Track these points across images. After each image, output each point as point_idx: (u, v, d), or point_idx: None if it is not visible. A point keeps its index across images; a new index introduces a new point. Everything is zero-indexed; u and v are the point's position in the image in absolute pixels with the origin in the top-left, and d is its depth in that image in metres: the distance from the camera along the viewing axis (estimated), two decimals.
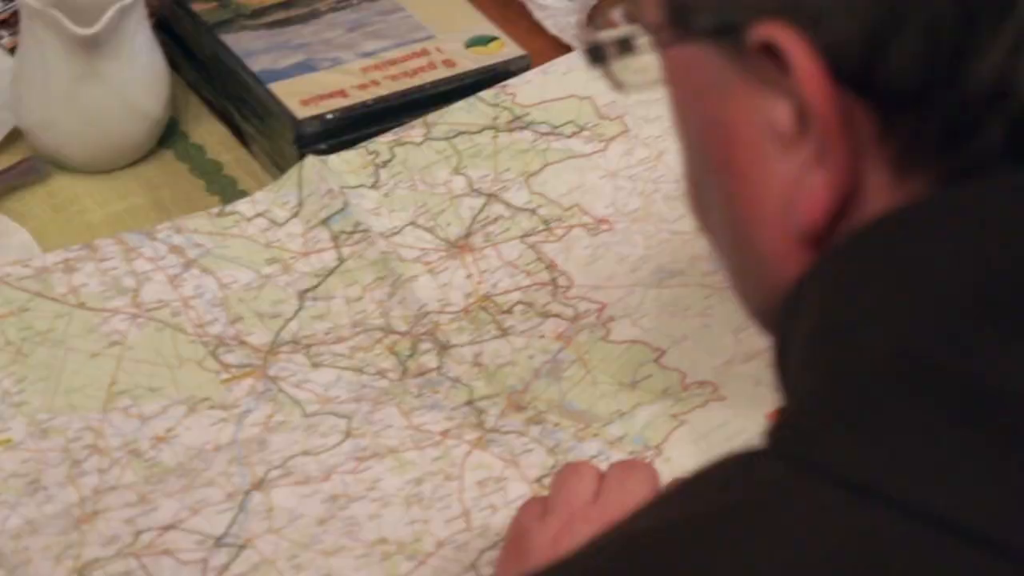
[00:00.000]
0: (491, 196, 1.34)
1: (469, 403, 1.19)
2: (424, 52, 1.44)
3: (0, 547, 1.10)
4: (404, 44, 1.45)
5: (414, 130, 1.34)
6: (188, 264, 1.28)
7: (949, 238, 0.73)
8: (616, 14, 0.85)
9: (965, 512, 0.66)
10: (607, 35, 0.87)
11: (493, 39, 1.46)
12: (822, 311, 0.75)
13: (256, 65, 1.42)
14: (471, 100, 1.36)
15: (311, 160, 1.31)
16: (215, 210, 1.31)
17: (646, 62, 0.84)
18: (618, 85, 0.86)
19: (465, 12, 1.49)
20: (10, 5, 1.48)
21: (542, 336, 1.25)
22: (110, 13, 1.32)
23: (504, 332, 1.26)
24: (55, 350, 1.22)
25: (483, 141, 1.35)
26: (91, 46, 1.35)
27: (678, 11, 0.78)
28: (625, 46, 0.85)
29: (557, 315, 1.27)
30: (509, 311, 1.27)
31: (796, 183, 0.75)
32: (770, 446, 0.72)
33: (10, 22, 1.47)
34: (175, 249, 1.28)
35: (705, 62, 0.78)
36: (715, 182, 0.81)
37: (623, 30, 0.86)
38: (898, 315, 0.73)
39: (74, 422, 1.18)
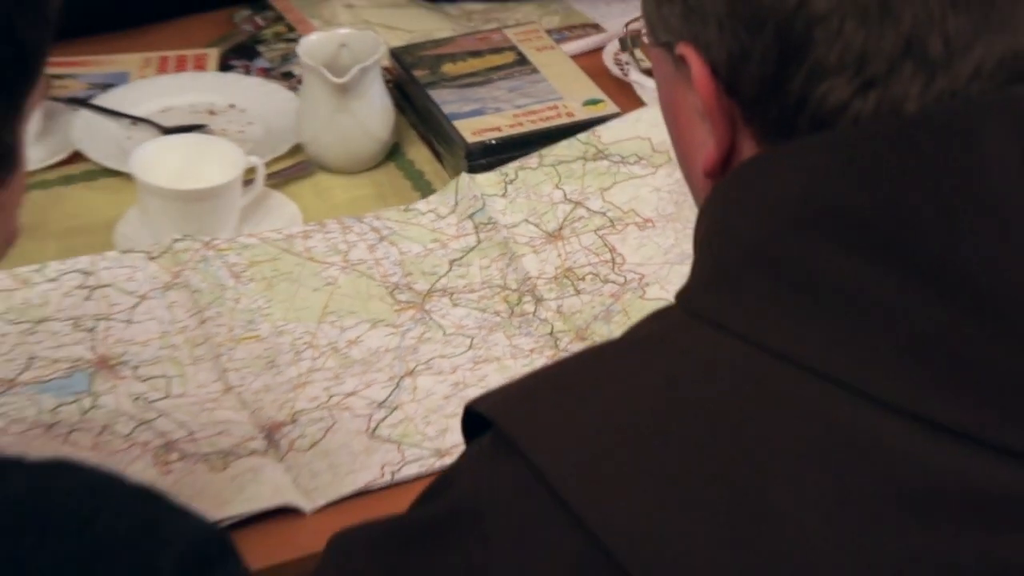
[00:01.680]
0: (577, 203, 1.45)
1: (551, 334, 1.32)
2: (555, 107, 1.57)
3: (247, 399, 1.24)
4: (542, 101, 1.58)
5: (531, 159, 1.46)
6: (381, 239, 1.41)
7: (780, 174, 0.79)
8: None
9: (785, 343, 0.75)
10: (631, 32, 0.98)
11: (601, 101, 1.58)
12: (711, 217, 0.83)
13: (447, 109, 1.56)
14: (570, 140, 1.48)
15: (464, 176, 1.45)
16: (402, 207, 1.45)
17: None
18: (637, 65, 0.99)
19: (586, 84, 1.61)
20: None
21: (601, 295, 1.37)
22: (355, 70, 1.48)
23: (578, 292, 1.38)
24: (292, 285, 1.35)
25: (575, 167, 1.46)
26: (343, 91, 1.50)
27: (651, 28, 0.87)
28: (636, 43, 0.96)
29: (612, 282, 1.38)
30: (582, 279, 1.38)
31: (703, 143, 0.84)
32: (676, 299, 0.82)
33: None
34: (374, 229, 1.41)
35: (664, 62, 0.86)
36: (675, 139, 0.90)
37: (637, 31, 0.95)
38: (748, 219, 0.80)
39: (299, 328, 1.31)
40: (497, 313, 1.36)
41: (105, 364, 1.27)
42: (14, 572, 0.65)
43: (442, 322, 1.33)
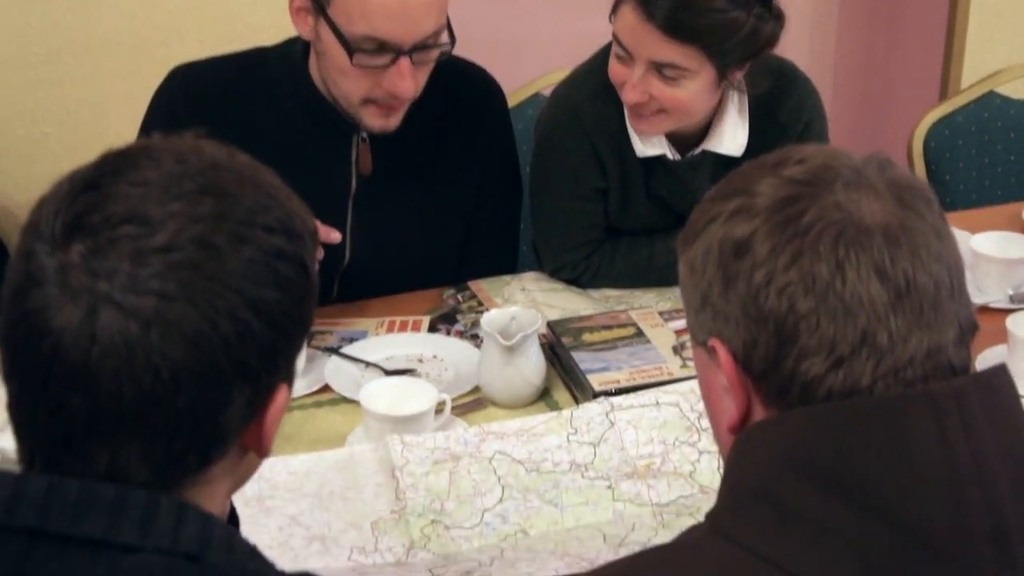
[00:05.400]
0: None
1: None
2: (659, 368, 1.63)
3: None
4: (651, 363, 1.64)
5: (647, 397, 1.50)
6: None
7: (777, 435, 0.84)
8: None
9: (771, 552, 0.80)
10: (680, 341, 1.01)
11: (691, 364, 1.53)
12: (731, 462, 0.88)
13: (583, 366, 1.63)
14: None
15: (590, 404, 1.50)
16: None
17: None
18: None
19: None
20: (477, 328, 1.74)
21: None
22: (518, 336, 1.59)
23: None
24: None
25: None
26: (510, 350, 1.59)
27: (692, 333, 0.92)
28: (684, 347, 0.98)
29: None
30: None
31: (727, 409, 0.89)
32: (706, 518, 0.88)
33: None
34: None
35: (701, 355, 0.92)
36: (708, 408, 0.95)
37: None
38: (755, 465, 0.84)
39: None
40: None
41: None
42: None
43: None
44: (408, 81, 1.61)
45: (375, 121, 1.70)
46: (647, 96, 1.73)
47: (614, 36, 1.75)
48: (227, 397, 0.80)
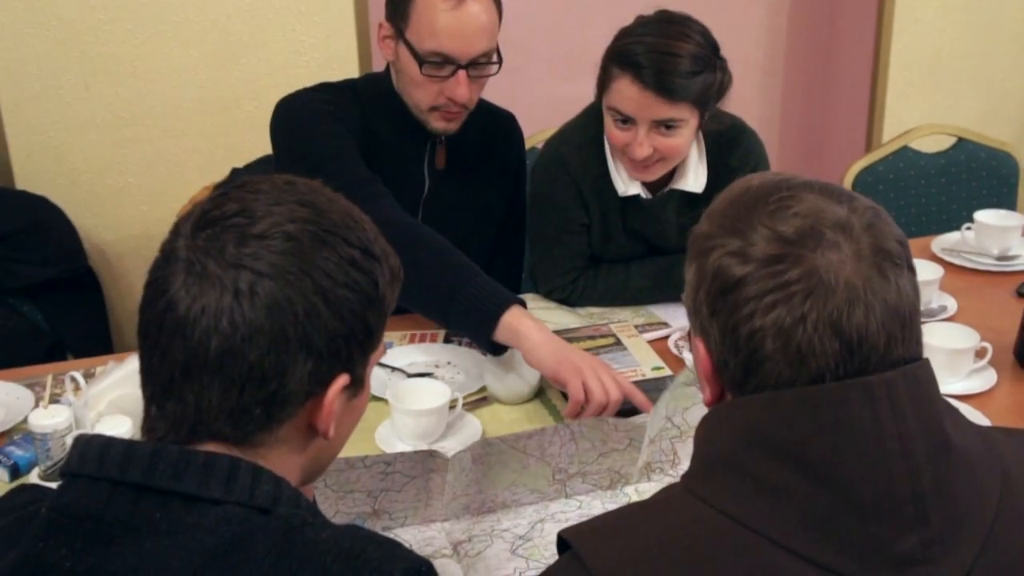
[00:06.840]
0: (668, 418, 1.37)
1: (628, 502, 1.29)
2: (634, 370, 1.63)
3: (447, 527, 1.26)
4: (627, 366, 1.63)
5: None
6: (573, 438, 1.34)
7: (740, 414, 0.83)
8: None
9: (735, 511, 0.80)
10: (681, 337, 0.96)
11: (661, 367, 1.63)
12: (699, 433, 0.87)
13: None
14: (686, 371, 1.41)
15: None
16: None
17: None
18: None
19: (654, 357, 1.66)
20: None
21: (662, 483, 1.33)
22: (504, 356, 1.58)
23: (650, 479, 1.35)
24: (504, 469, 1.32)
25: (679, 390, 1.40)
26: (510, 357, 1.57)
27: (694, 328, 0.90)
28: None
29: (670, 475, 1.35)
30: (655, 471, 1.35)
31: (705, 389, 0.89)
32: (680, 479, 0.86)
33: None
34: (572, 433, 1.33)
35: (697, 344, 0.90)
36: (698, 377, 0.92)
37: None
38: (721, 438, 0.83)
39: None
40: (603, 488, 1.38)
41: (377, 515, 1.31)
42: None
43: (569, 492, 1.37)
44: (464, 89, 1.70)
45: (439, 124, 1.77)
46: (651, 149, 1.75)
47: (611, 109, 1.75)
48: (291, 362, 0.82)
